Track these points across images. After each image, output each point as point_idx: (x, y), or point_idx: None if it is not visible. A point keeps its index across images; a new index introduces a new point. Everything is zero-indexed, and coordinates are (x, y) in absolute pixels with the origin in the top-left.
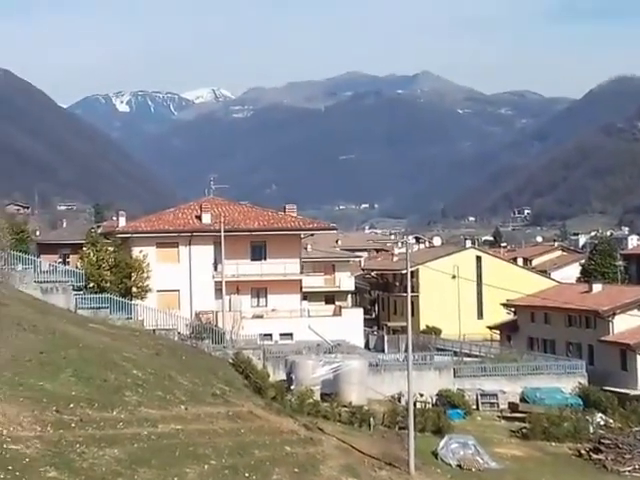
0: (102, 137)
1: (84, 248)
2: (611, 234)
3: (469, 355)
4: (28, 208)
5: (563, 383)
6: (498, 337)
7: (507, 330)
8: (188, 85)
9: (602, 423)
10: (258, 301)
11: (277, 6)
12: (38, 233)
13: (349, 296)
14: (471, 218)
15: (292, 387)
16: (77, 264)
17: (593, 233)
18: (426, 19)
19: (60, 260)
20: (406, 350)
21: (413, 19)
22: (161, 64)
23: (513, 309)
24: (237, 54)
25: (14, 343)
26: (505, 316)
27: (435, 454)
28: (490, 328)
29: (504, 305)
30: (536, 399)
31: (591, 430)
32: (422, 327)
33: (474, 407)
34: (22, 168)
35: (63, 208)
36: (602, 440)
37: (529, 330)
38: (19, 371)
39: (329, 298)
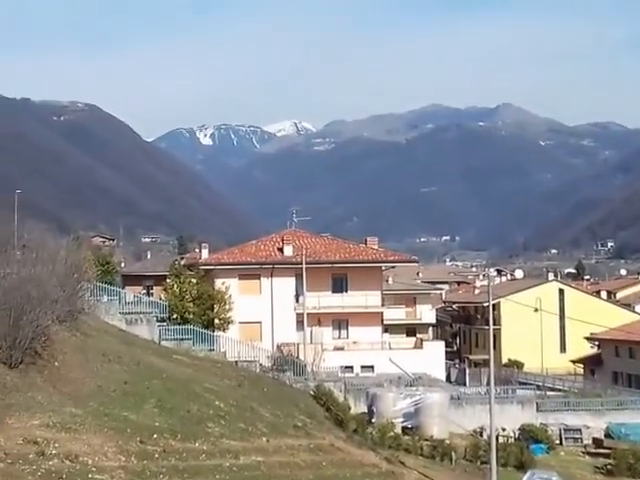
0: (185, 170)
1: (168, 280)
2: None
3: (552, 389)
4: (113, 240)
5: None
6: (582, 371)
7: (591, 364)
8: (270, 118)
9: None
10: (339, 333)
11: (358, 39)
12: (123, 265)
13: (430, 329)
14: (553, 250)
15: (373, 420)
16: (161, 295)
17: None
18: (506, 51)
19: (144, 291)
20: (488, 383)
21: (493, 51)
22: (244, 98)
23: (597, 343)
24: (319, 87)
25: (100, 374)
26: (589, 350)
27: None
28: (573, 362)
29: (588, 339)
30: (621, 435)
31: None
32: (504, 360)
33: (557, 442)
34: (107, 201)
35: (147, 240)
36: None
37: (613, 364)
38: (104, 401)
39: (410, 330)
